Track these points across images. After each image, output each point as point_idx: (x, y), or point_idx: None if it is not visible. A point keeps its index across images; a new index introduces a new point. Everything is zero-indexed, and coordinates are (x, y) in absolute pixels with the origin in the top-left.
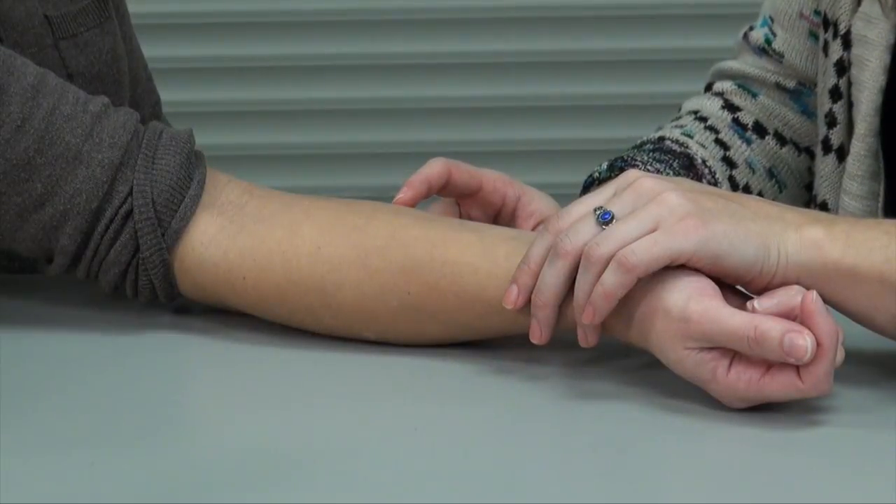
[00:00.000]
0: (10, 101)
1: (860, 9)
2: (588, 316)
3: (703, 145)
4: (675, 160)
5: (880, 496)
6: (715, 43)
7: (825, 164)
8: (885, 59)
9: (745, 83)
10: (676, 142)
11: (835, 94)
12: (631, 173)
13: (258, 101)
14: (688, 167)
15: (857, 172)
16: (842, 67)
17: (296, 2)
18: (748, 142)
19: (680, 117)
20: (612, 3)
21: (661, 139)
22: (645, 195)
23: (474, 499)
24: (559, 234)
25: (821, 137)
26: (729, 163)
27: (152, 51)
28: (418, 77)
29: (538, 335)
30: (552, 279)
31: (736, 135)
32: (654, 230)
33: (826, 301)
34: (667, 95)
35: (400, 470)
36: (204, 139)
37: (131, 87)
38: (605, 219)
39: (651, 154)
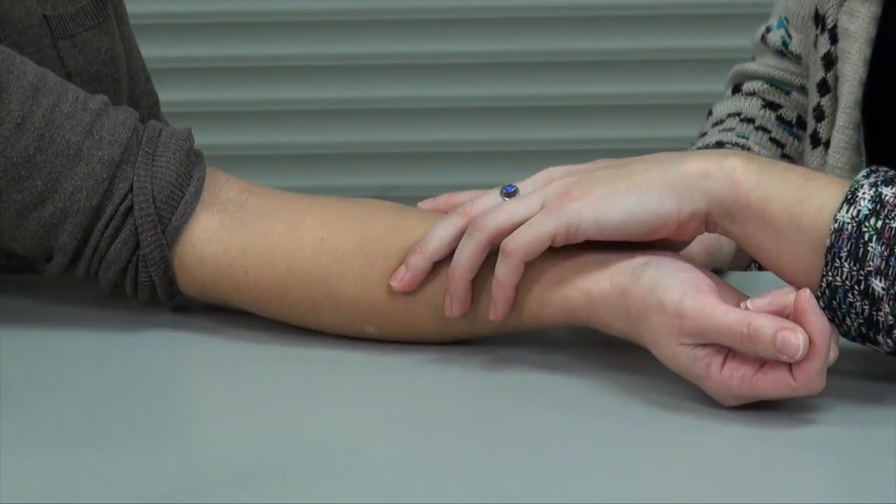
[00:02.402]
0: (10, 99)
1: (845, 3)
2: (493, 314)
3: (761, 146)
4: None
5: (874, 494)
6: (715, 43)
7: (814, 158)
8: (866, 51)
9: (775, 82)
10: (737, 145)
11: (822, 87)
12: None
13: (258, 101)
14: None
15: (836, 164)
16: (829, 61)
17: (296, 2)
18: (798, 138)
19: (722, 121)
20: (613, 4)
21: (720, 144)
22: (543, 179)
23: (472, 498)
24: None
25: (809, 131)
26: (788, 160)
27: (152, 51)
28: (418, 77)
29: (399, 278)
30: (442, 232)
31: (785, 132)
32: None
33: (734, 238)
34: (667, 95)
35: (400, 469)
36: (204, 139)
37: (130, 87)
38: (507, 190)
39: None
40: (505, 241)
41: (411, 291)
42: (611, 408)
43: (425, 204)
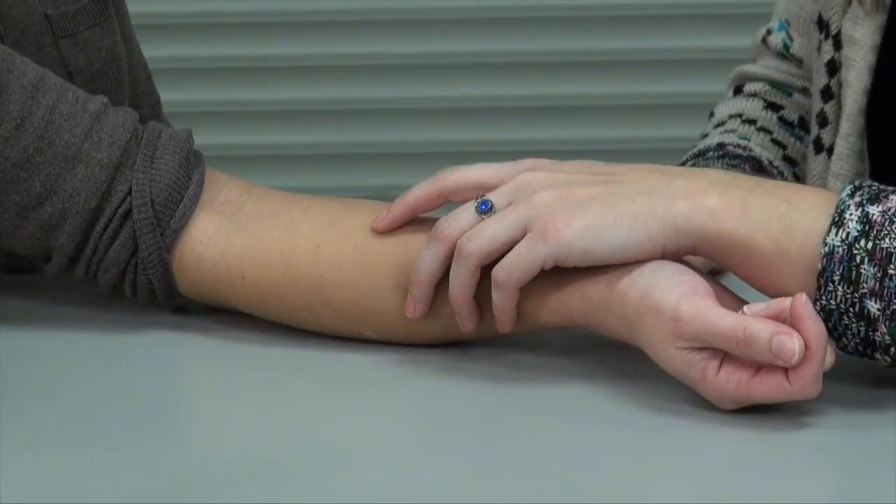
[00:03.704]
0: (10, 99)
1: (850, 9)
2: (501, 328)
3: (762, 147)
4: (744, 164)
5: (870, 497)
6: (716, 43)
7: (816, 164)
8: (871, 59)
9: (776, 84)
10: (739, 146)
11: (826, 94)
12: (527, 162)
13: (258, 101)
14: (758, 170)
15: (840, 172)
16: (833, 68)
17: (296, 2)
18: (800, 139)
19: (724, 122)
20: (613, 4)
21: (722, 145)
22: (522, 190)
23: (470, 499)
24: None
25: (812, 137)
26: (790, 161)
27: (152, 51)
28: (418, 77)
29: (412, 310)
30: (428, 260)
31: (787, 133)
32: (523, 231)
33: (723, 266)
34: (667, 95)
35: (400, 470)
36: (204, 139)
37: (131, 86)
38: (482, 209)
39: (720, 161)
40: (496, 271)
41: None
42: (608, 411)
43: (379, 224)
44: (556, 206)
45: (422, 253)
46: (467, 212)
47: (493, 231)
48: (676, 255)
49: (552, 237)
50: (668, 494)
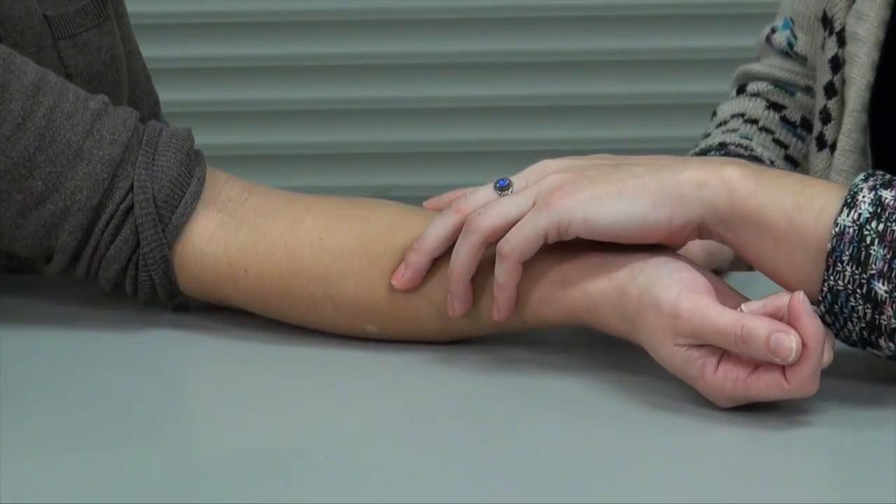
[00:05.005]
0: (11, 98)
1: (854, 6)
2: (497, 314)
3: (764, 147)
4: None
5: (867, 495)
6: (716, 43)
7: (819, 160)
8: (874, 55)
9: (779, 83)
10: (740, 146)
11: (829, 90)
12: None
13: (258, 101)
14: None
15: (842, 167)
16: (836, 64)
17: (296, 2)
18: (801, 139)
19: (726, 122)
20: (613, 4)
21: (723, 145)
22: (538, 173)
23: (470, 498)
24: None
25: (815, 133)
26: (792, 161)
27: (152, 51)
28: (418, 77)
29: (399, 276)
30: (437, 228)
31: (789, 133)
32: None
33: (730, 244)
34: (667, 95)
35: (401, 469)
36: (204, 139)
37: (130, 87)
38: (500, 184)
39: None
40: (500, 243)
41: (412, 289)
42: (606, 408)
43: (430, 203)
44: (562, 182)
45: (433, 221)
46: (486, 189)
47: (503, 207)
48: (684, 230)
49: (554, 204)
50: (665, 492)
